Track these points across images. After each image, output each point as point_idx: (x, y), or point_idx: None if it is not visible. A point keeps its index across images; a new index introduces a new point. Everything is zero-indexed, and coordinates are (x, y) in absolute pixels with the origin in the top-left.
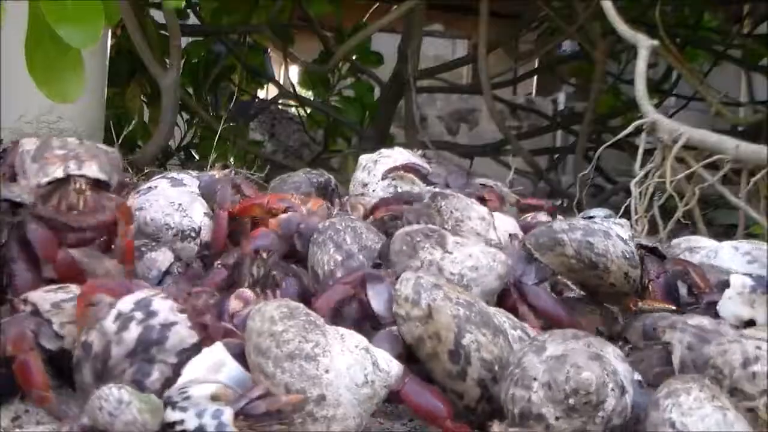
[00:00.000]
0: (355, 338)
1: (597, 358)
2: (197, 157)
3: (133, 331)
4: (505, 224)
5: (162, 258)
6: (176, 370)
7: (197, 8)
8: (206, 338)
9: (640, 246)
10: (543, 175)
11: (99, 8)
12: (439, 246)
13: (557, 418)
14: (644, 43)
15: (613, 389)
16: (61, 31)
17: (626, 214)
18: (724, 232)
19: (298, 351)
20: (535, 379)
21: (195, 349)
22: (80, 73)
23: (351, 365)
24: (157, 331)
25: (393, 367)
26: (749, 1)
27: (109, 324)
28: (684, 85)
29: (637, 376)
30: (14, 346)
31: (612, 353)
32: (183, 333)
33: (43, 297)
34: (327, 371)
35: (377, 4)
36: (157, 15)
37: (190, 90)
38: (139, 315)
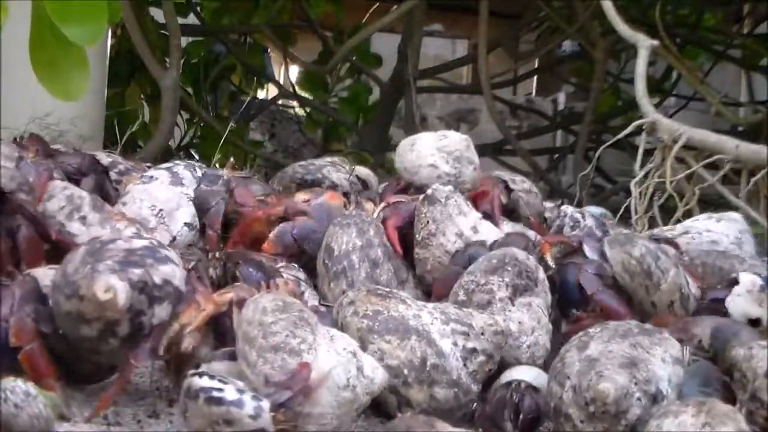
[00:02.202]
0: (345, 341)
1: (629, 366)
2: (197, 157)
3: (142, 242)
4: (493, 235)
5: None
6: (153, 284)
7: (197, 8)
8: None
9: None
10: (543, 175)
11: (103, 6)
12: (510, 290)
13: (581, 421)
14: (644, 43)
15: (639, 398)
16: (65, 29)
17: (626, 214)
18: None
19: (284, 344)
20: (568, 377)
21: (177, 294)
22: (85, 70)
23: (334, 366)
24: (160, 258)
25: (378, 374)
26: (749, 1)
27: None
28: (684, 85)
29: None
30: (18, 338)
31: (660, 355)
32: (178, 274)
33: (46, 273)
34: None
35: (377, 4)
36: (157, 15)
37: (190, 90)
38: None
